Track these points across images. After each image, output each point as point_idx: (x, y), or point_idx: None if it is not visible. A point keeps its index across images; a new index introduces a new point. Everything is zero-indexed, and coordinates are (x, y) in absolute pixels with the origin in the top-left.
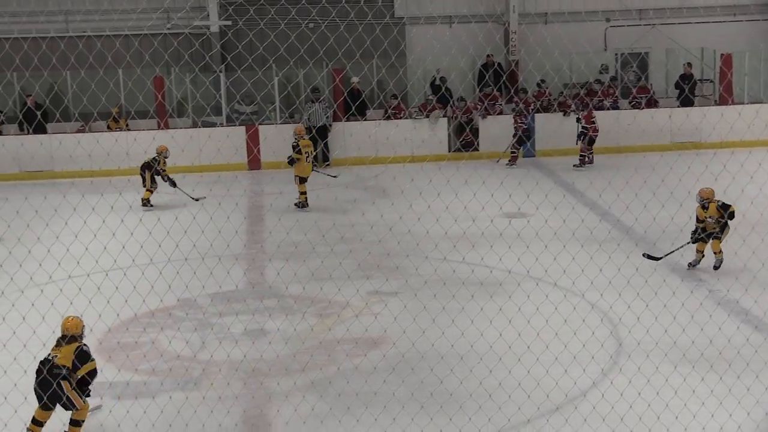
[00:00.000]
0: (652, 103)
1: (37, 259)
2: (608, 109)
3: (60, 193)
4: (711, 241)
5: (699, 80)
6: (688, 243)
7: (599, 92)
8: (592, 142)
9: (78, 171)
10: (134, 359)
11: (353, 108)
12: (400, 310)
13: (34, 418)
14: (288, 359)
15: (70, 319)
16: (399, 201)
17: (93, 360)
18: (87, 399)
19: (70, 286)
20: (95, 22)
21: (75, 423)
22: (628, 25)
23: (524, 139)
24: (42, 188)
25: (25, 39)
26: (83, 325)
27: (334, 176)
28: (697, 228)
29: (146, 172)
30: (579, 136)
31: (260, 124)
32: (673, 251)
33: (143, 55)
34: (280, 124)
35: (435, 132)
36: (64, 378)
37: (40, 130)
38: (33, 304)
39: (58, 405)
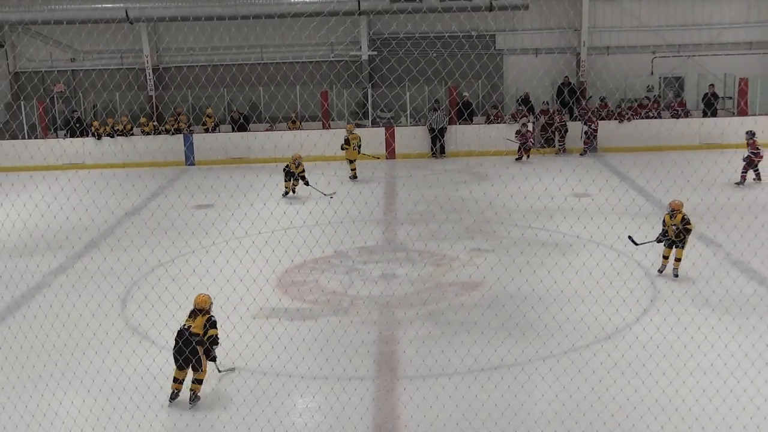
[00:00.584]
0: (686, 114)
1: (237, 219)
2: (653, 118)
3: (254, 173)
4: (674, 249)
5: (721, 97)
6: (656, 241)
7: (647, 106)
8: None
9: (267, 158)
10: (303, 292)
11: (465, 114)
12: (495, 262)
13: (174, 377)
14: (412, 296)
15: (201, 296)
16: (497, 183)
17: (216, 329)
18: (216, 363)
19: (259, 239)
20: (282, 52)
21: (198, 381)
22: (670, 56)
23: (591, 139)
24: (241, 170)
25: (233, 65)
26: (211, 302)
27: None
28: (664, 230)
29: (289, 177)
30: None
31: (396, 126)
32: (648, 242)
33: (314, 75)
34: (411, 126)
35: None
36: (199, 343)
37: (243, 129)
38: (234, 252)
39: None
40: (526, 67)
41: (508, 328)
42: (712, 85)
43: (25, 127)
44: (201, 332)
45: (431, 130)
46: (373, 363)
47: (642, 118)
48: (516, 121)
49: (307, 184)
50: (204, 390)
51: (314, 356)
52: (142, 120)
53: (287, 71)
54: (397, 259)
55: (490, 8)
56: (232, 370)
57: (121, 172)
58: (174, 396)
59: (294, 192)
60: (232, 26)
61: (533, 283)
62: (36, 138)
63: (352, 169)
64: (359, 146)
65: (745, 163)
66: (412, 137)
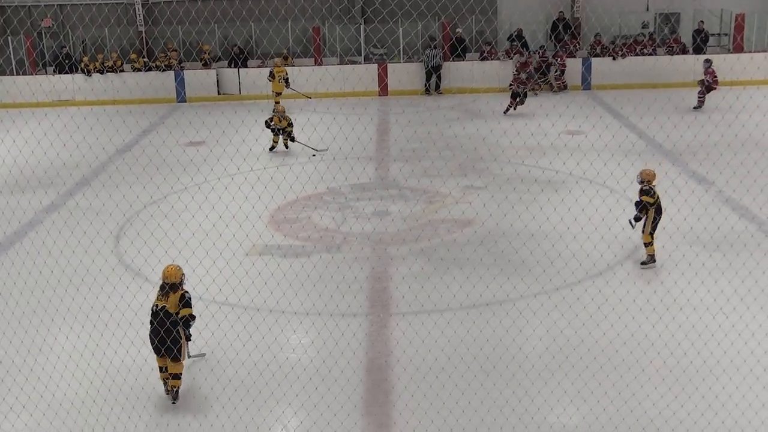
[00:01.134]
0: (682, 51)
1: (229, 156)
2: (649, 54)
3: (246, 109)
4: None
5: (717, 34)
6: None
7: (642, 42)
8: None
9: (258, 94)
10: (295, 229)
11: (458, 50)
12: (487, 199)
13: (160, 367)
14: (404, 232)
15: (170, 267)
16: (490, 120)
17: (191, 307)
18: (187, 347)
19: (251, 176)
20: None
21: (176, 377)
22: None
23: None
24: (232, 106)
25: (223, 0)
26: (182, 273)
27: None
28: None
29: (276, 133)
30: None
31: (389, 62)
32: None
33: (306, 9)
34: (404, 62)
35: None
36: (175, 324)
37: (244, 65)
38: (226, 188)
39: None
40: (520, 2)
41: (500, 264)
42: (701, 22)
43: (13, 62)
44: (177, 311)
45: (426, 66)
46: (365, 299)
47: (637, 54)
48: (510, 57)
49: (293, 140)
50: (197, 325)
51: (307, 293)
52: (132, 56)
53: (278, 5)
54: (389, 196)
55: None
56: (203, 355)
57: (111, 108)
58: (169, 390)
59: (287, 147)
60: None
61: (525, 220)
62: (24, 74)
63: (276, 102)
64: (286, 80)
65: (701, 88)
66: (404, 74)
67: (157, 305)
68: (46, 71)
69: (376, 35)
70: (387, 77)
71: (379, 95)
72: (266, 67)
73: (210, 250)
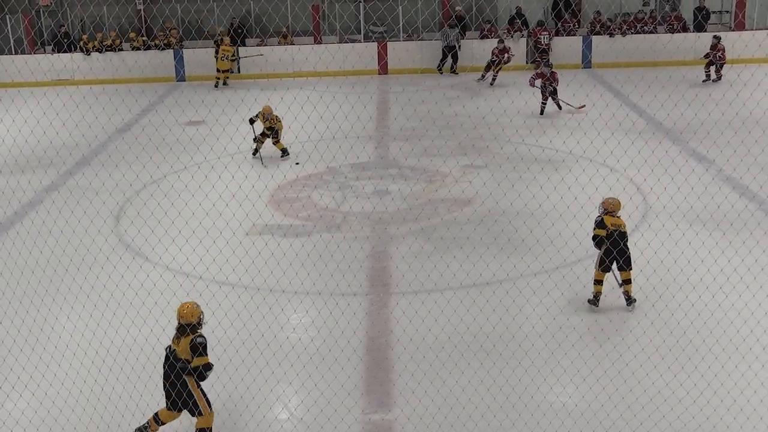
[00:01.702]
0: (683, 29)
1: (229, 135)
2: (649, 32)
3: (245, 88)
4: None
5: (718, 11)
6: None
7: (643, 20)
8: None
9: (257, 73)
10: (296, 208)
11: (458, 29)
12: (487, 178)
13: (156, 416)
14: (404, 212)
15: (185, 306)
16: (489, 98)
17: (206, 355)
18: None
19: (251, 156)
20: None
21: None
22: None
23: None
24: (232, 85)
25: None
26: (200, 312)
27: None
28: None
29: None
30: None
31: (389, 40)
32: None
33: None
34: (404, 41)
35: (517, 47)
36: (186, 371)
37: (241, 42)
38: (226, 167)
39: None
40: None
41: (500, 243)
42: None
43: (11, 41)
44: (189, 358)
45: (445, 46)
46: (366, 278)
47: (637, 32)
48: (511, 36)
49: (275, 143)
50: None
51: (307, 272)
52: (132, 35)
53: None
54: (389, 175)
55: None
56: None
57: (111, 87)
58: None
59: (286, 155)
60: None
61: (525, 198)
62: (22, 53)
63: (217, 78)
64: (229, 58)
65: (708, 60)
66: (404, 52)
67: (170, 346)
68: (44, 50)
69: (376, 13)
70: (387, 55)
71: (379, 74)
72: (267, 45)
73: (210, 230)
